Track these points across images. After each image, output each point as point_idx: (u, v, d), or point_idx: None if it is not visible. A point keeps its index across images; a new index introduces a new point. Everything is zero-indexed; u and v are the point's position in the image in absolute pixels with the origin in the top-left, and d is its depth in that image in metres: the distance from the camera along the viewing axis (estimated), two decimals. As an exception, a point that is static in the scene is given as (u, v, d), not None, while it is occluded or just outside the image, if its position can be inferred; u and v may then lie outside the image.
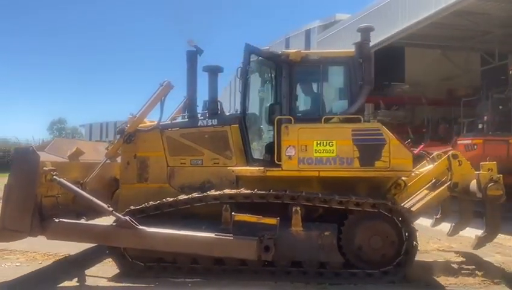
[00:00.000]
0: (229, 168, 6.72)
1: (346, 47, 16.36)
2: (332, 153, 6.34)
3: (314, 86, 7.31)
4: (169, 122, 7.42)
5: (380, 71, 18.81)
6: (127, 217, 6.04)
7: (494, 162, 6.36)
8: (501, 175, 6.20)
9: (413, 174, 6.94)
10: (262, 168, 6.48)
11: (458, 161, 6.65)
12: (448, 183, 6.66)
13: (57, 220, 6.11)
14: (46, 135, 66.27)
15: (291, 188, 6.28)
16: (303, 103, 7.37)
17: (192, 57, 7.25)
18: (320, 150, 6.36)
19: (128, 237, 6.03)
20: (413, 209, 6.73)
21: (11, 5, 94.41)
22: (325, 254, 6.08)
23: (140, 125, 7.13)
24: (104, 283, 6.06)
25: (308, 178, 6.48)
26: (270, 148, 6.76)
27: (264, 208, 6.12)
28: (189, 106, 7.37)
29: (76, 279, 6.18)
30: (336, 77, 7.24)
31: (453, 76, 18.85)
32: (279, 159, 6.39)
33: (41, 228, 6.06)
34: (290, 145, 6.40)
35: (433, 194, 6.84)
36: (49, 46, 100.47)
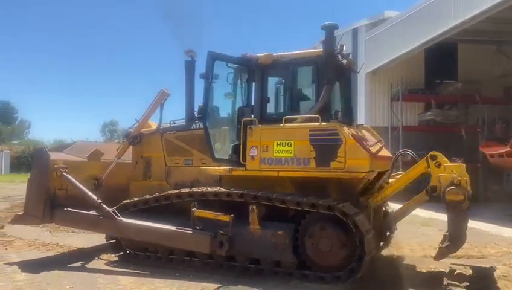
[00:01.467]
0: (201, 167, 7.30)
1: (396, 45, 15.98)
2: (291, 153, 6.38)
3: (286, 87, 7.26)
4: (168, 125, 7.98)
5: (431, 69, 18.42)
6: (109, 210, 6.95)
7: (462, 164, 5.80)
8: (466, 178, 5.54)
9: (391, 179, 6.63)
10: (228, 168, 6.82)
11: (436, 162, 6.10)
12: (427, 187, 6.16)
13: (63, 209, 7.24)
14: (99, 137, 69.04)
15: (266, 188, 6.41)
16: (275, 105, 7.41)
17: (190, 66, 7.75)
18: (279, 150, 6.45)
19: (110, 226, 7.06)
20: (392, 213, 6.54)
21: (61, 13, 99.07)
22: (278, 253, 6.18)
23: (145, 129, 8.03)
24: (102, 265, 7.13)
25: (278, 178, 6.51)
26: (236, 149, 6.90)
27: (237, 206, 6.39)
28: (187, 110, 7.81)
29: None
30: (306, 78, 7.17)
31: (510, 73, 17.95)
32: (244, 159, 6.62)
33: (51, 215, 7.33)
34: (253, 146, 6.60)
35: (413, 199, 6.51)
36: (104, 51, 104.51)
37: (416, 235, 9.93)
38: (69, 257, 7.63)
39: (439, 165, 6.06)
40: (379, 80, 17.96)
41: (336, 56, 6.71)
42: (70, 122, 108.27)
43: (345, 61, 7.22)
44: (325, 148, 6.20)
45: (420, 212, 11.09)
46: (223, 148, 7.43)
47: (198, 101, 7.62)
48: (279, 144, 6.46)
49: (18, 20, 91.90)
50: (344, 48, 7.05)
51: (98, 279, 6.29)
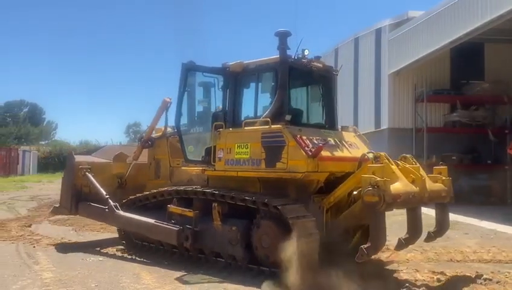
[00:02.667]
0: (182, 168, 8.07)
1: (420, 45, 15.70)
2: (247, 154, 6.77)
3: (254, 93, 7.59)
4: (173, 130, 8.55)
5: (457, 69, 18.06)
6: (112, 204, 8.03)
7: (383, 165, 5.69)
8: (385, 180, 5.42)
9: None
10: (201, 168, 7.44)
11: (383, 163, 5.88)
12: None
13: (84, 203, 8.59)
14: (123, 138, 70.17)
15: (239, 187, 6.92)
16: (246, 109, 7.66)
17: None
18: (239, 152, 6.86)
19: (112, 218, 8.17)
20: None
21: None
22: (231, 247, 6.61)
23: (157, 134, 8.89)
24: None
25: (246, 178, 6.87)
26: (209, 151, 7.35)
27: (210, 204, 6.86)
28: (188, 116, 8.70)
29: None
30: (269, 83, 7.44)
31: (540, 73, 17.45)
32: (214, 161, 7.08)
33: (76, 208, 8.70)
34: (220, 148, 7.06)
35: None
36: (130, 52, 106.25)
37: (442, 238, 9.72)
38: (93, 255, 7.80)
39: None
40: (403, 80, 17.64)
41: (287, 62, 6.85)
42: (95, 124, 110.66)
43: (320, 65, 7.42)
44: (272, 150, 6.50)
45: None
46: (196, 150, 8.00)
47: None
48: (239, 146, 6.88)
49: (45, 23, 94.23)
50: (306, 53, 7.16)
51: (122, 278, 6.40)
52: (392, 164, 5.92)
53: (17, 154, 36.98)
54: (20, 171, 36.64)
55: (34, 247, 8.47)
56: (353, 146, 7.14)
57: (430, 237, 6.79)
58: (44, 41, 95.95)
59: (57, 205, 9.29)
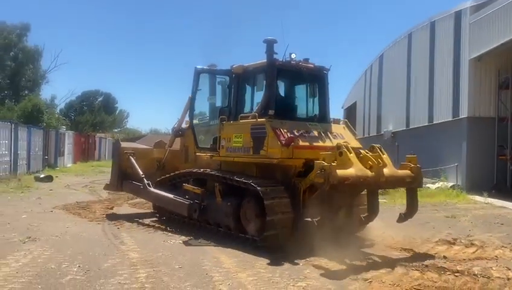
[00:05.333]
0: (202, 154, 9.46)
1: (506, 28, 14.59)
2: (240, 143, 8.10)
3: (251, 91, 8.87)
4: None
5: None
6: (146, 182, 9.72)
7: (331, 153, 6.74)
8: (330, 165, 6.48)
9: None
10: (210, 154, 8.98)
11: (340, 151, 6.90)
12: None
13: (127, 181, 10.39)
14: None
15: (239, 171, 8.22)
16: (248, 105, 8.85)
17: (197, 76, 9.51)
18: (235, 141, 8.19)
19: (145, 193, 9.97)
20: None
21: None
22: (226, 219, 7.92)
23: (186, 125, 10.20)
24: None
25: (243, 163, 8.16)
26: (215, 140, 8.86)
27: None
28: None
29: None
30: (261, 83, 8.53)
31: None
32: (219, 148, 8.50)
33: (121, 185, 10.62)
34: (223, 138, 8.47)
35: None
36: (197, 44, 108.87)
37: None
38: (173, 238, 8.07)
39: (340, 154, 6.89)
40: (485, 66, 16.48)
41: (274, 65, 8.01)
42: (165, 112, 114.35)
43: (310, 66, 8.59)
44: (258, 140, 7.74)
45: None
46: (205, 139, 9.63)
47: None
48: (236, 136, 8.21)
49: (117, 15, 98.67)
50: (293, 56, 8.33)
51: (203, 261, 6.54)
52: (351, 153, 6.91)
53: (94, 141, 39.24)
54: (97, 156, 38.85)
55: (118, 228, 8.92)
56: (338, 137, 8.10)
57: (401, 218, 7.71)
58: (115, 35, 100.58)
59: (108, 183, 11.20)
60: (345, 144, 7.11)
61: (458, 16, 17.57)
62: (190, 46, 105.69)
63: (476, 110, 16.60)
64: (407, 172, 7.48)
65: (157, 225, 9.34)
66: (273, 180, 7.60)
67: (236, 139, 8.17)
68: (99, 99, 71.57)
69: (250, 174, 8.00)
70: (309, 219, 6.59)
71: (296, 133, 7.63)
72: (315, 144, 7.73)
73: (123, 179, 10.51)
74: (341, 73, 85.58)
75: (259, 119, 7.79)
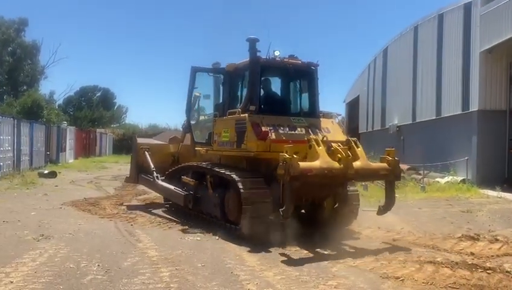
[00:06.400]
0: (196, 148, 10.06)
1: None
2: (228, 138, 8.45)
3: (242, 88, 9.02)
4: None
5: None
6: (155, 175, 10.43)
7: (292, 146, 6.84)
8: (291, 157, 6.60)
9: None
10: (206, 148, 9.44)
11: (310, 145, 7.25)
12: None
13: (142, 175, 11.13)
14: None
15: (231, 164, 8.61)
16: (239, 102, 8.88)
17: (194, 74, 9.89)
18: (224, 135, 8.54)
19: (154, 185, 10.66)
20: None
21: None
22: (215, 209, 8.36)
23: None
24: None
25: (231, 156, 8.57)
26: (210, 135, 9.32)
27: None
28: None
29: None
30: (247, 80, 8.67)
31: None
32: (212, 143, 8.98)
33: (137, 179, 11.45)
34: (215, 133, 8.89)
35: None
36: (197, 39, 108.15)
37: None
38: (189, 235, 7.85)
39: (310, 147, 7.25)
40: (496, 58, 16.22)
41: (256, 63, 8.27)
42: (164, 107, 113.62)
43: (298, 62, 8.75)
44: (240, 134, 8.02)
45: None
46: (201, 134, 10.03)
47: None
48: (225, 131, 8.56)
49: (117, 11, 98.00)
50: (277, 54, 8.50)
51: (225, 259, 6.34)
52: (320, 146, 7.18)
53: (95, 136, 38.93)
54: (98, 152, 38.56)
55: (132, 225, 8.71)
56: (323, 131, 8.26)
57: (380, 211, 7.90)
58: (114, 30, 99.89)
59: (128, 176, 12.22)
60: (314, 137, 7.43)
61: (468, 7, 17.31)
62: (191, 41, 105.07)
63: (487, 103, 16.37)
64: (382, 165, 7.68)
65: (170, 221, 9.15)
66: (257, 173, 7.87)
67: (225, 134, 8.55)
68: (97, 95, 71.03)
69: (241, 167, 8.28)
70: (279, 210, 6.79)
71: (277, 128, 7.91)
72: (295, 138, 7.81)
73: (139, 172, 11.22)
74: (343, 67, 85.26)
75: (241, 115, 8.10)
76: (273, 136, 7.79)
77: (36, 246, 6.78)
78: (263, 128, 7.75)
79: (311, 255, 6.74)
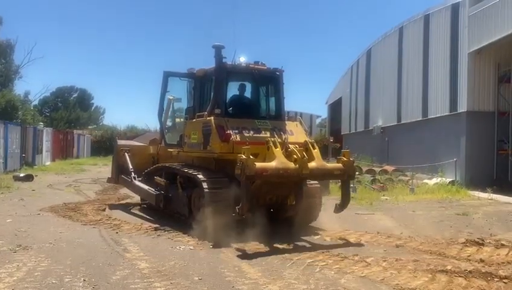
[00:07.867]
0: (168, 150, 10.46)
1: (507, 21, 14.24)
2: (196, 140, 8.80)
3: (210, 92, 9.19)
4: None
5: None
6: (132, 176, 10.75)
7: (248, 147, 7.25)
8: (247, 158, 6.98)
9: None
10: (177, 150, 9.82)
11: (267, 146, 7.64)
12: None
13: (120, 176, 11.48)
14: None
15: (203, 165, 8.86)
16: (205, 105, 9.12)
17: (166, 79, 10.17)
18: (193, 137, 8.93)
19: (131, 186, 10.98)
20: None
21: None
22: (183, 208, 8.73)
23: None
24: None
25: (201, 157, 8.91)
26: (181, 137, 9.65)
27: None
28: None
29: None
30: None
31: None
32: (183, 145, 9.36)
33: (117, 180, 11.81)
34: (186, 135, 9.26)
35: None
36: (178, 40, 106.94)
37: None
38: (180, 244, 7.32)
39: (268, 149, 7.64)
40: (484, 59, 16.19)
41: (222, 69, 8.60)
42: (143, 109, 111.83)
43: (263, 68, 9.05)
44: (206, 136, 8.36)
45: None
46: (173, 137, 10.27)
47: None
48: (193, 133, 8.92)
49: (93, 11, 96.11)
50: (242, 60, 8.94)
51: (223, 271, 5.84)
52: (277, 147, 7.58)
53: (72, 137, 37.73)
54: (75, 154, 37.40)
55: (117, 233, 8.11)
56: (288, 133, 8.54)
57: (337, 209, 8.33)
58: (92, 29, 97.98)
59: (110, 176, 12.45)
60: (272, 139, 7.78)
61: (455, 8, 17.25)
62: (168, 42, 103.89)
63: (475, 104, 16.32)
64: (337, 165, 8.10)
65: (158, 228, 8.52)
66: (222, 173, 8.15)
67: (193, 136, 8.90)
68: (74, 96, 69.46)
69: (210, 168, 8.59)
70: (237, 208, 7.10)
71: (243, 131, 8.18)
72: (258, 140, 8.04)
73: (120, 173, 11.46)
74: (325, 68, 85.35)
75: (207, 118, 8.43)
76: (237, 138, 8.04)
77: (13, 259, 6.15)
78: (227, 131, 8.02)
79: (313, 263, 6.28)
